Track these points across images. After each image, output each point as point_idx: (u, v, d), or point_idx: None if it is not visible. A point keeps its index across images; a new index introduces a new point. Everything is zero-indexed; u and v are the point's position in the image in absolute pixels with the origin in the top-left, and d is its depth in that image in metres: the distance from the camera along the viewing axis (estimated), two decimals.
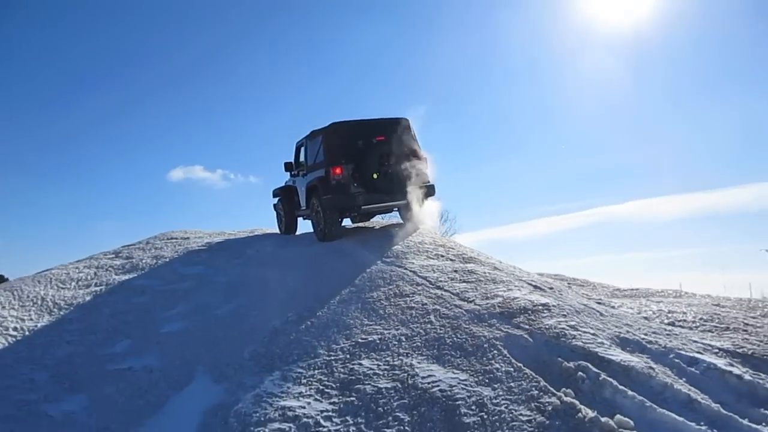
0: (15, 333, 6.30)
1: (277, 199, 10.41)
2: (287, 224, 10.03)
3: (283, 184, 10.31)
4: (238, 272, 7.72)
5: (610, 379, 4.15)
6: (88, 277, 8.13)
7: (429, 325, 5.19)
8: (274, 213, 10.57)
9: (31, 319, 6.67)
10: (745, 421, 3.73)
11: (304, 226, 10.35)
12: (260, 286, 7.01)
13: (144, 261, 8.67)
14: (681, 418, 3.73)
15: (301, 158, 9.33)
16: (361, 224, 9.94)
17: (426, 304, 5.65)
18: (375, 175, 7.85)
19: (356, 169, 7.91)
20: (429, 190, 8.39)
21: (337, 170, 7.86)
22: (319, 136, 8.38)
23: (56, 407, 4.77)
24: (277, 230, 10.56)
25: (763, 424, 3.74)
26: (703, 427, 3.64)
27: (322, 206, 8.09)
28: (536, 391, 4.07)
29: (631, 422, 3.69)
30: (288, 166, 9.54)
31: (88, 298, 7.28)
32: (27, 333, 6.31)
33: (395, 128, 8.18)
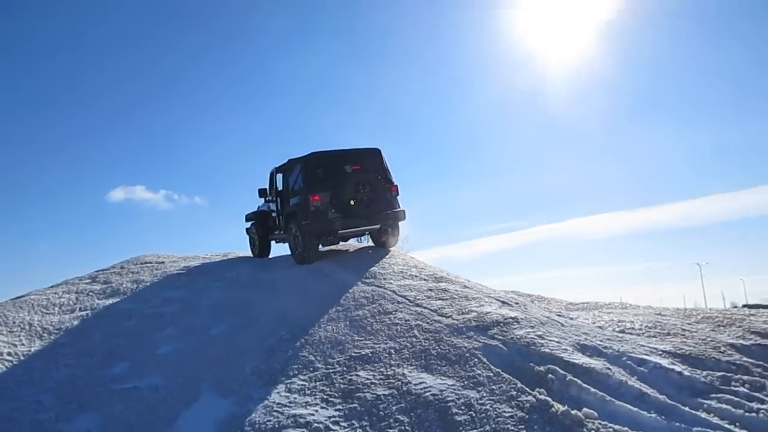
0: (10, 358, 6.46)
1: (250, 224, 10.78)
2: (261, 248, 10.42)
3: (256, 209, 10.71)
4: (221, 295, 8.08)
5: (576, 379, 4.86)
6: (70, 302, 8.27)
7: (414, 339, 5.79)
8: (247, 237, 10.94)
9: (23, 344, 6.82)
10: (687, 409, 4.50)
11: (276, 249, 10.79)
12: (247, 307, 7.41)
13: (124, 285, 8.87)
14: (635, 409, 4.47)
15: (277, 184, 9.80)
16: (332, 247, 10.45)
17: (408, 320, 6.25)
18: (352, 202, 8.43)
19: (333, 196, 8.47)
20: (400, 215, 9.03)
21: (316, 197, 8.39)
22: (297, 164, 8.90)
23: (71, 425, 5.05)
24: (249, 254, 10.91)
25: (701, 410, 4.52)
26: (653, 415, 4.39)
27: (301, 231, 8.59)
28: (515, 392, 4.72)
29: (595, 413, 4.39)
30: (262, 193, 9.96)
31: (75, 323, 7.46)
32: (22, 357, 6.48)
33: (370, 158, 8.82)
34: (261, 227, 10.34)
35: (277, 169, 9.60)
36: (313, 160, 8.64)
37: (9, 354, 6.55)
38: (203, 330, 6.86)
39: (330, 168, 8.63)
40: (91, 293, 8.67)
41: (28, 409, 5.33)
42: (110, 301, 8.21)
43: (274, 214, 9.94)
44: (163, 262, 10.41)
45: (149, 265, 10.25)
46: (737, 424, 4.36)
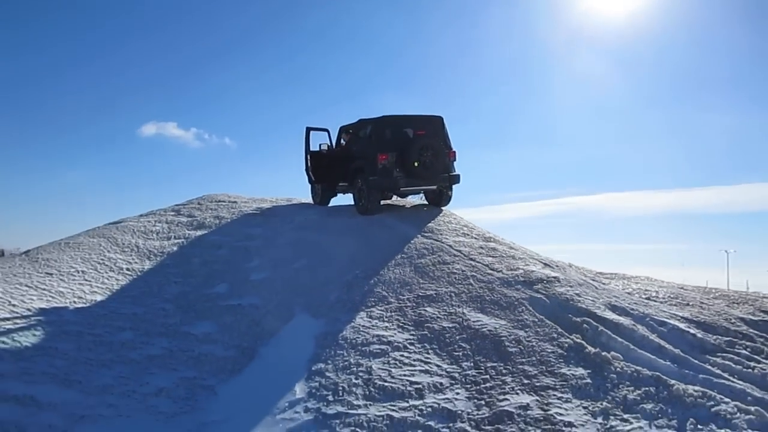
0: (129, 272, 7.80)
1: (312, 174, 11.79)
2: (323, 197, 11.51)
3: (307, 157, 11.38)
4: (295, 235, 9.25)
5: (606, 330, 5.91)
6: (164, 231, 9.58)
7: (470, 286, 6.89)
8: (309, 185, 11.99)
9: (136, 263, 8.16)
10: (696, 362, 5.53)
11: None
12: (320, 248, 8.58)
13: (208, 220, 10.12)
14: (654, 357, 5.52)
15: (342, 141, 10.78)
16: (389, 202, 11.50)
17: (464, 270, 7.33)
18: (416, 163, 9.41)
19: (399, 156, 9.45)
20: (455, 179, 10.01)
21: (384, 156, 9.39)
22: (369, 125, 9.87)
23: (194, 329, 6.35)
24: (310, 200, 11.99)
25: (707, 364, 5.55)
26: (668, 363, 5.43)
27: (367, 185, 9.64)
28: (555, 334, 5.81)
29: (621, 356, 5.45)
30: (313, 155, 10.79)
31: (174, 249, 8.77)
32: (139, 273, 7.82)
33: (433, 124, 9.74)
34: (321, 178, 11.37)
35: (347, 127, 10.57)
36: (383, 122, 9.60)
37: (128, 270, 7.89)
38: (286, 263, 8.07)
39: (397, 131, 9.58)
40: (180, 224, 9.95)
41: (157, 314, 6.65)
42: (199, 233, 9.48)
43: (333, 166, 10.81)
44: (235, 202, 11.61)
45: (223, 203, 11.47)
46: (736, 376, 5.38)
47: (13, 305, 6.21)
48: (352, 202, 10.50)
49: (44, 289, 6.86)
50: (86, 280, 7.37)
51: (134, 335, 5.99)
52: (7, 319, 5.82)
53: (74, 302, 6.64)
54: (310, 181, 11.83)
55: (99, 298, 6.90)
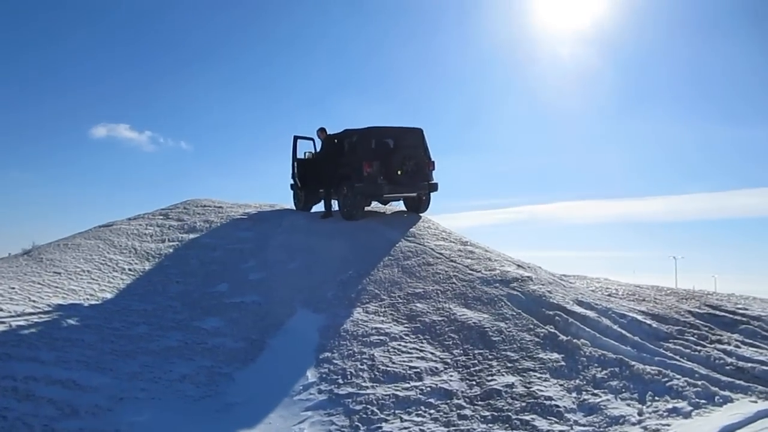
0: (132, 272, 8.21)
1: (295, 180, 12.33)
2: (305, 202, 12.07)
3: (294, 165, 11.93)
4: (286, 238, 9.81)
5: (575, 321, 6.73)
6: (157, 233, 9.98)
7: (454, 285, 7.62)
8: (292, 191, 12.53)
9: (137, 263, 8.56)
10: (652, 346, 6.40)
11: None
12: (312, 250, 9.16)
13: (198, 224, 10.55)
14: (616, 343, 6.36)
15: (328, 150, 11.36)
16: (369, 208, 12.14)
17: (447, 271, 8.06)
18: (399, 172, 10.12)
19: (383, 165, 10.14)
20: (434, 187, 10.77)
21: (369, 165, 10.06)
22: (355, 135, 10.53)
23: (204, 323, 6.84)
24: (291, 206, 12.52)
25: (661, 348, 6.43)
26: (629, 348, 6.28)
27: (353, 192, 10.28)
28: (531, 325, 6.58)
29: (589, 343, 6.27)
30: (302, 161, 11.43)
31: (170, 251, 9.19)
32: (141, 273, 8.23)
33: (415, 136, 10.49)
34: (307, 185, 11.95)
35: (333, 136, 11.19)
36: (369, 132, 10.27)
37: (130, 270, 8.30)
38: (281, 264, 8.63)
39: (382, 141, 10.28)
40: (171, 228, 10.35)
41: (166, 310, 7.11)
42: (192, 236, 9.92)
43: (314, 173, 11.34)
44: (221, 207, 12.05)
45: (210, 208, 11.89)
46: (685, 358, 6.25)
47: (33, 301, 6.58)
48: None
49: (57, 287, 7.22)
50: (93, 279, 7.74)
51: (149, 329, 6.45)
52: (32, 313, 6.21)
53: (87, 299, 7.04)
54: (294, 187, 12.36)
55: (109, 295, 7.30)
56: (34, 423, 4.32)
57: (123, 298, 7.27)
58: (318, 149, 11.67)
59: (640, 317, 7.27)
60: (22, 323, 6.00)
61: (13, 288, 7.05)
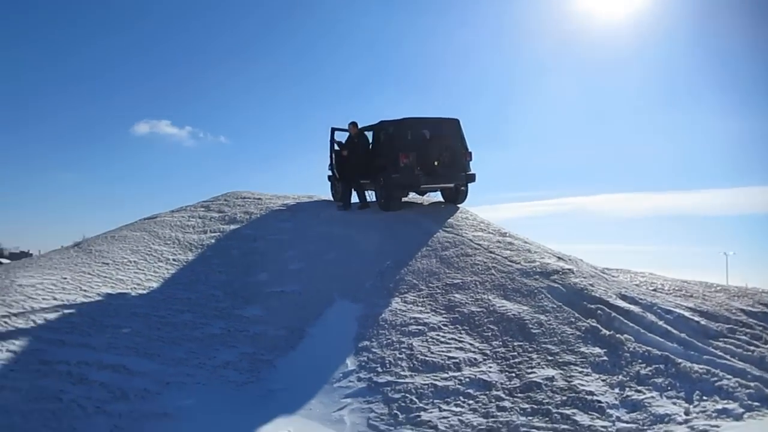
0: (176, 262, 8.44)
1: (333, 172, 12.38)
2: (343, 195, 12.11)
3: (331, 157, 11.97)
4: (324, 229, 9.89)
5: (619, 316, 6.57)
6: (199, 225, 10.21)
7: (492, 276, 7.54)
8: (329, 183, 12.60)
9: (180, 254, 8.79)
10: (700, 344, 6.20)
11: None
12: (350, 240, 9.21)
13: (238, 215, 10.74)
14: (662, 340, 6.18)
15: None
16: (406, 199, 12.12)
17: (486, 262, 7.98)
18: (435, 163, 10.06)
19: (420, 156, 10.09)
20: (471, 178, 10.67)
21: (406, 156, 10.03)
22: (391, 126, 10.51)
23: (244, 312, 6.99)
24: (329, 197, 12.58)
25: (710, 347, 6.22)
26: (675, 345, 6.10)
27: (390, 183, 10.28)
28: (573, 319, 6.47)
29: (632, 338, 6.12)
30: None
31: (212, 241, 9.40)
32: (184, 263, 8.45)
33: (451, 126, 10.40)
34: (345, 177, 11.98)
35: (369, 128, 11.20)
36: (405, 123, 10.24)
37: (174, 260, 8.53)
38: (320, 255, 8.71)
39: (418, 132, 10.23)
40: (212, 219, 10.58)
41: (209, 299, 7.28)
42: (232, 227, 10.11)
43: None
44: (260, 199, 12.22)
45: (249, 200, 12.08)
46: (736, 358, 6.03)
47: (84, 290, 6.86)
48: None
49: (106, 277, 7.50)
50: (139, 269, 8.00)
51: (193, 317, 6.63)
52: (84, 303, 6.47)
53: (134, 288, 7.28)
54: (332, 178, 12.39)
55: (155, 285, 7.53)
56: (87, 405, 4.52)
57: (168, 287, 7.48)
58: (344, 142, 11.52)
59: (687, 314, 7.04)
60: (74, 311, 6.27)
61: (65, 278, 7.36)
